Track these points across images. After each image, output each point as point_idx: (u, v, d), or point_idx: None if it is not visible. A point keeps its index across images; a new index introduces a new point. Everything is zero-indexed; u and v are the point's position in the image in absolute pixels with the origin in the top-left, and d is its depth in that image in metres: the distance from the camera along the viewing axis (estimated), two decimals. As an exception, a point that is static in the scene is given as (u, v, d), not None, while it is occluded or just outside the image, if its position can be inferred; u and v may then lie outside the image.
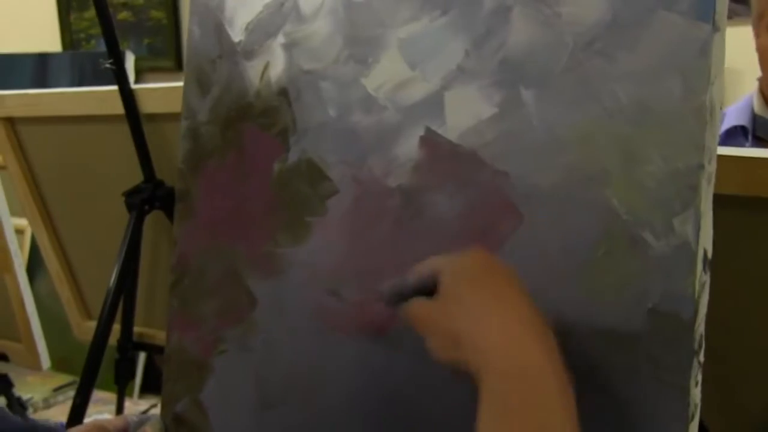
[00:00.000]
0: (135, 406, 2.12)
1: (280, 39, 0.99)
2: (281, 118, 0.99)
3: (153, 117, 1.45)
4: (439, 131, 0.87)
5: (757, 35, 1.80)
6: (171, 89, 1.40)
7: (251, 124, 1.01)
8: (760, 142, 1.85)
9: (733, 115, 1.90)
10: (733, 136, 1.86)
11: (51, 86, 3.50)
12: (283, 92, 0.99)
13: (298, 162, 0.97)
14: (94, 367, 1.44)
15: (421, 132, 0.89)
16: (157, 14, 3.75)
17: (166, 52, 3.74)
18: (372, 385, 0.87)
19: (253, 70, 1.01)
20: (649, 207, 0.76)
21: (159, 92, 1.44)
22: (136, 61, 3.60)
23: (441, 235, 0.88)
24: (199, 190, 1.06)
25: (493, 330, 0.74)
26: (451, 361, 0.76)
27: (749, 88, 1.96)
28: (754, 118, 1.86)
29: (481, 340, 0.74)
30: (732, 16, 1.73)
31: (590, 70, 0.79)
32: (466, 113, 0.86)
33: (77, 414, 1.41)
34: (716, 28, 0.73)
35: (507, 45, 0.84)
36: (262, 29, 1.01)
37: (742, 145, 1.87)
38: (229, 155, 1.03)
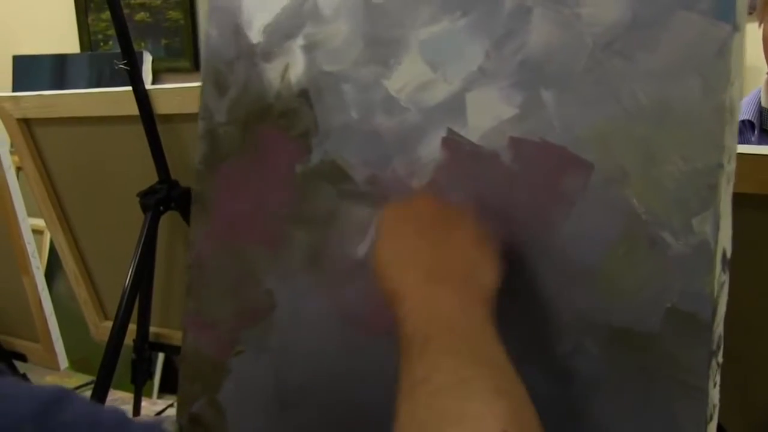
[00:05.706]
0: (152, 406, 2.12)
1: (300, 41, 0.99)
2: (302, 119, 0.98)
3: (168, 117, 1.45)
4: (461, 132, 0.87)
5: (761, 22, 1.81)
6: (185, 90, 1.41)
7: (271, 126, 1.01)
8: (767, 135, 1.86)
9: (742, 108, 1.91)
10: (740, 131, 1.87)
11: (69, 87, 3.52)
12: (303, 94, 0.98)
13: (321, 163, 0.97)
14: (110, 368, 1.44)
15: (443, 133, 0.88)
16: (175, 15, 3.75)
17: (183, 52, 3.75)
18: (393, 387, 0.87)
19: (272, 72, 1.01)
20: (668, 207, 0.75)
21: (173, 93, 1.44)
22: (154, 62, 3.61)
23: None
24: (217, 190, 1.06)
25: (410, 279, 0.77)
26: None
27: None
28: (761, 111, 1.87)
29: (401, 286, 0.77)
30: (750, 11, 1.73)
31: (610, 70, 0.78)
32: (488, 114, 0.86)
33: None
34: (736, 28, 0.72)
35: (527, 46, 0.84)
36: (281, 31, 1.00)
37: (748, 140, 1.89)
38: (247, 156, 1.03)
